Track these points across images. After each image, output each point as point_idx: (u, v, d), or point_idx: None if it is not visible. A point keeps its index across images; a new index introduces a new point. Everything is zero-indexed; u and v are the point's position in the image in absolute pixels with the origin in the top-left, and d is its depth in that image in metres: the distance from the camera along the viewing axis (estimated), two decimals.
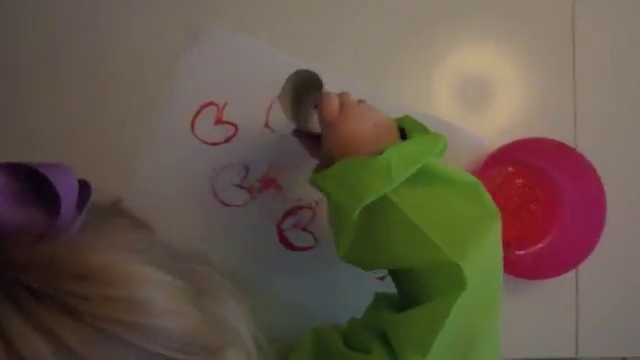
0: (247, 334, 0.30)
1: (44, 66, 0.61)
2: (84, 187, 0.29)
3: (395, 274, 0.44)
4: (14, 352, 0.22)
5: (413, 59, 0.62)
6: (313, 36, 0.62)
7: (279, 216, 0.60)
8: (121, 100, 0.61)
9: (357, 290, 0.59)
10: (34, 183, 0.28)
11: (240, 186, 0.60)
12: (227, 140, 0.61)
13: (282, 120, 0.60)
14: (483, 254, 0.38)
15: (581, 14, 0.62)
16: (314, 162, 0.60)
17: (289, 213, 0.60)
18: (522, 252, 0.60)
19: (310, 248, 0.60)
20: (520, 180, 0.60)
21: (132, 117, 0.60)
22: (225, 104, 0.61)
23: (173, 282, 0.27)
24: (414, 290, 0.40)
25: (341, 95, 0.45)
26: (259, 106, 0.61)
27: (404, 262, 0.40)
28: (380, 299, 0.46)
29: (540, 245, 0.60)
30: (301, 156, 0.60)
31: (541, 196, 0.60)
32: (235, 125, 0.61)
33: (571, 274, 0.59)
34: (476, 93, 0.62)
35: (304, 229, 0.60)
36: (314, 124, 0.48)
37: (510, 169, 0.60)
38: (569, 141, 0.58)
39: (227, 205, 0.60)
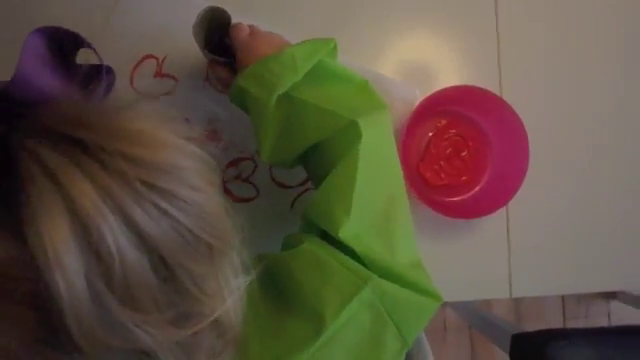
0: (235, 248, 0.31)
1: None
2: (108, 72, 0.30)
3: (308, 161, 0.49)
4: (68, 197, 0.23)
5: (350, 17, 0.64)
6: None
7: (221, 168, 0.60)
8: None
9: None
10: (64, 53, 0.29)
11: None
12: (167, 93, 0.61)
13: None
14: (375, 121, 0.44)
15: None
16: None
17: (230, 164, 0.61)
18: (455, 199, 0.63)
19: (252, 199, 0.61)
20: (453, 130, 0.63)
21: None
22: (165, 57, 0.61)
23: (210, 162, 0.29)
24: (326, 165, 0.44)
25: (250, 25, 0.52)
26: (199, 59, 0.61)
27: (314, 138, 0.45)
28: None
29: (471, 192, 0.63)
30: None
31: (472, 145, 0.63)
32: (175, 78, 0.61)
33: (502, 216, 0.62)
34: (409, 48, 0.65)
35: (245, 180, 0.61)
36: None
37: (443, 121, 0.63)
38: (494, 89, 0.62)
39: None
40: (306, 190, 0.61)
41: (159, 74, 0.61)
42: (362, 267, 0.39)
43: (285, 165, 0.50)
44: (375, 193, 0.43)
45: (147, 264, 0.25)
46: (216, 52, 0.53)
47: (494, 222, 0.62)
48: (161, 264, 0.25)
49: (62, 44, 0.29)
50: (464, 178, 0.63)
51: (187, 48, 0.61)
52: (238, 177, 0.61)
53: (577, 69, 0.66)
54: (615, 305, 1.17)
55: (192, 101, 0.61)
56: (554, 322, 1.15)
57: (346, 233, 0.40)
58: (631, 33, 0.66)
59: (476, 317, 1.02)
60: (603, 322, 1.17)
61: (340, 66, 0.47)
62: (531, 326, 1.08)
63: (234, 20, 0.53)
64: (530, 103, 0.62)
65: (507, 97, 0.62)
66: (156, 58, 0.61)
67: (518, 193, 0.59)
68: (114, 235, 0.23)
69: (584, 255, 0.63)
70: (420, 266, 0.43)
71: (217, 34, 0.53)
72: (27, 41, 0.27)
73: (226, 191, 0.60)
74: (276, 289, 0.41)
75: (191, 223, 0.26)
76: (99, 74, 0.29)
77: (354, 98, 0.46)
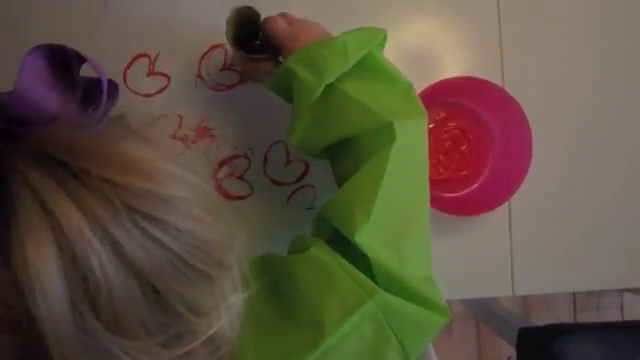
0: (235, 264, 0.31)
1: None
2: (111, 86, 0.30)
3: (335, 155, 0.48)
4: (56, 225, 0.23)
5: (348, 5, 0.63)
6: None
7: (214, 165, 0.60)
8: None
9: (292, 235, 0.60)
10: (65, 70, 0.29)
11: (175, 136, 0.60)
12: (160, 91, 0.60)
13: (214, 70, 0.61)
14: (411, 128, 0.43)
15: None
16: (246, 112, 0.61)
17: (224, 162, 0.60)
18: (454, 194, 0.61)
19: (246, 197, 0.60)
20: (452, 123, 0.61)
21: None
22: (157, 55, 0.60)
23: (206, 189, 0.29)
24: (352, 164, 0.43)
25: (282, 14, 0.50)
26: (191, 56, 0.60)
27: (347, 131, 0.44)
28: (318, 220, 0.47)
29: (471, 187, 0.61)
30: (234, 105, 0.61)
31: (472, 138, 0.61)
32: (168, 76, 0.60)
33: (504, 212, 0.61)
34: (407, 38, 0.62)
35: (240, 178, 0.60)
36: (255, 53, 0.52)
37: (442, 114, 0.62)
38: (496, 80, 0.60)
39: None
40: (301, 187, 0.60)
41: (152, 72, 0.60)
42: (369, 280, 0.38)
43: (311, 154, 0.49)
44: (397, 202, 0.41)
45: (136, 290, 0.25)
46: (248, 49, 0.52)
47: (496, 218, 0.60)
48: (151, 289, 0.25)
49: (63, 61, 0.29)
50: (464, 173, 0.61)
51: (179, 46, 0.61)
52: (232, 174, 0.60)
53: (582, 60, 0.63)
54: (628, 297, 1.15)
55: (185, 99, 0.60)
56: (564, 314, 1.13)
57: (362, 237, 0.39)
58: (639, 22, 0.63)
59: (481, 308, 1.00)
60: (616, 315, 1.15)
61: (388, 63, 0.46)
62: (539, 317, 1.07)
63: None
64: (533, 95, 0.59)
65: (509, 88, 0.59)
66: (149, 56, 0.60)
67: (520, 188, 0.57)
68: (101, 263, 0.24)
69: (589, 252, 0.61)
70: (431, 281, 0.42)
71: (247, 31, 0.52)
72: (26, 59, 0.27)
73: (220, 189, 0.60)
74: (278, 292, 0.41)
75: (184, 251, 0.26)
76: (101, 89, 0.29)
77: (395, 99, 0.45)
